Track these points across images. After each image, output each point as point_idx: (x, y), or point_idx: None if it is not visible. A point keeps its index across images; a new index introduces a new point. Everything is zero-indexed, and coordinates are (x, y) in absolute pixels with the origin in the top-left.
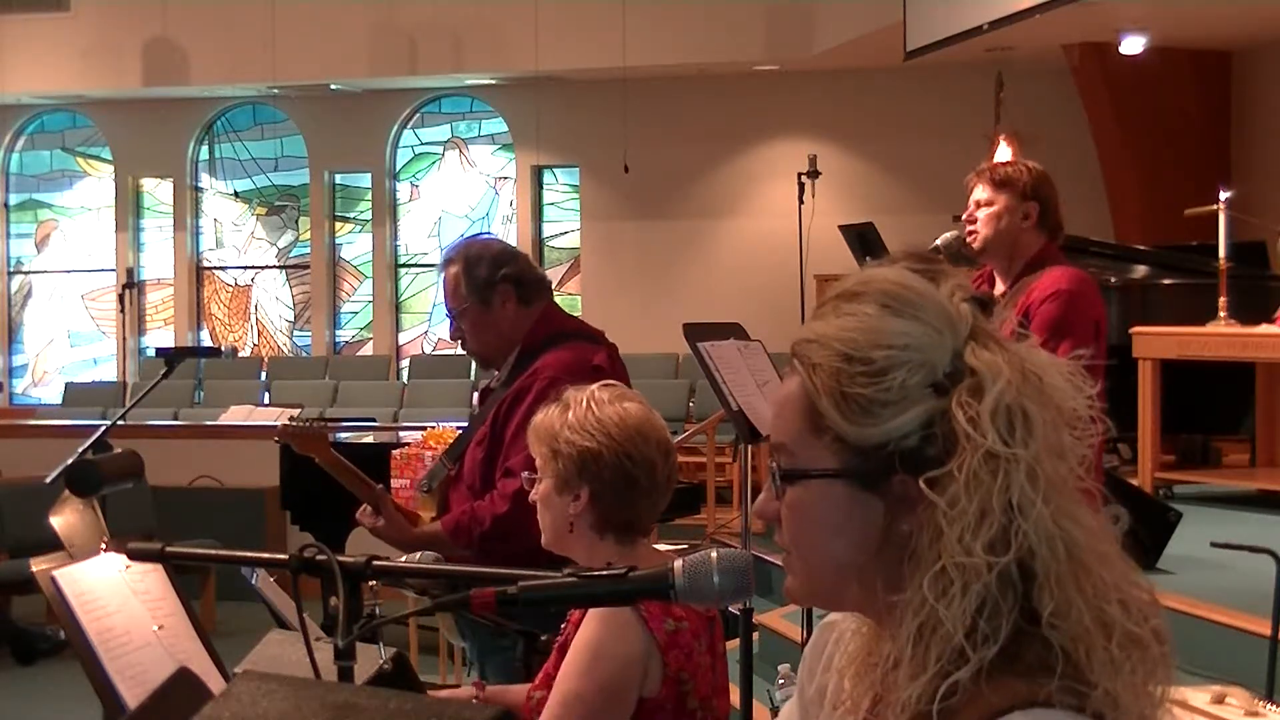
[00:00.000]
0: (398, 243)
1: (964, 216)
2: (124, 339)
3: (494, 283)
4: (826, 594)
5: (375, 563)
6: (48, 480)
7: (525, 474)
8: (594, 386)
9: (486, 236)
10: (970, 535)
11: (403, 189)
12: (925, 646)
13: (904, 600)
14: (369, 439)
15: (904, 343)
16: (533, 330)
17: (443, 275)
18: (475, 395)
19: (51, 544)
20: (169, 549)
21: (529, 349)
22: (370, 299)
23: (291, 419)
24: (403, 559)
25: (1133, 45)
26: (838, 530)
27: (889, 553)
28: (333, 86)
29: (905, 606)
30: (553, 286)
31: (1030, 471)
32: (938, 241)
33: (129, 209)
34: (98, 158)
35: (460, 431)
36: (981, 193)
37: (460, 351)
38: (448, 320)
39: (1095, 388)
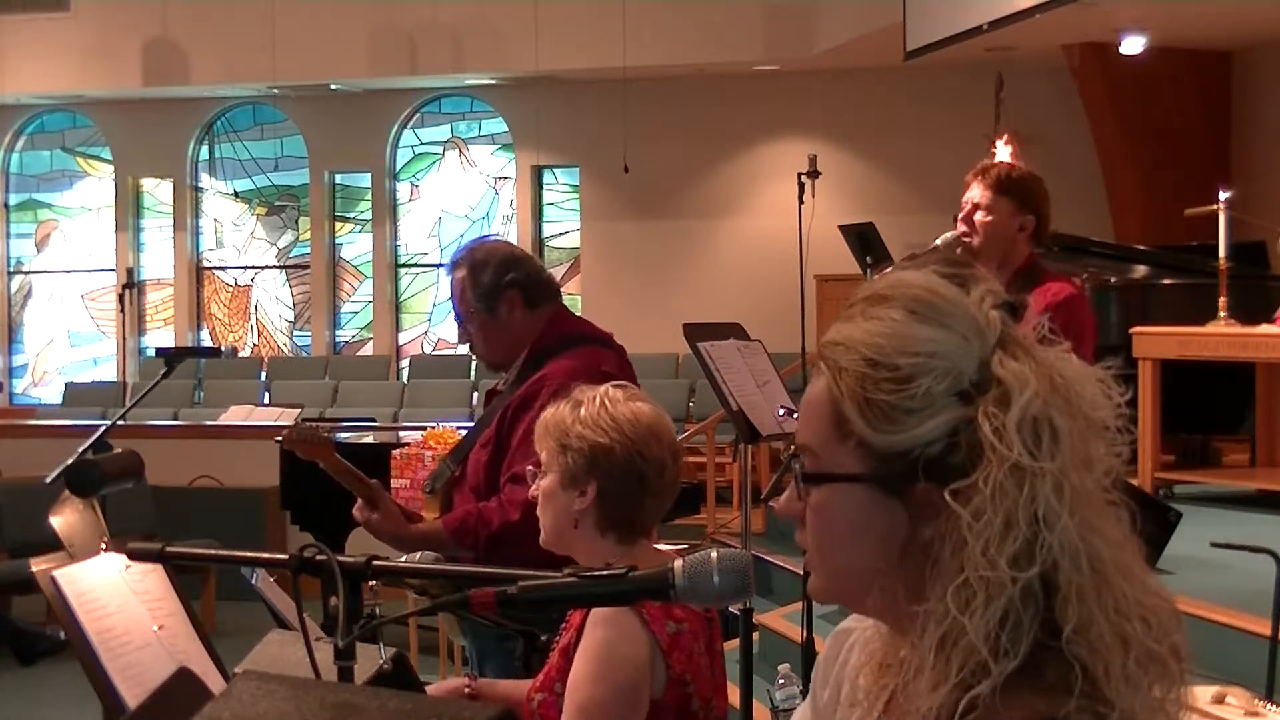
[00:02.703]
0: (398, 243)
1: (960, 216)
2: (124, 339)
3: (499, 289)
4: (847, 597)
5: (375, 563)
6: (48, 480)
7: (529, 469)
8: (606, 385)
9: (493, 239)
10: (995, 548)
11: (403, 189)
12: (947, 658)
13: (926, 609)
14: (369, 439)
15: (930, 350)
16: (542, 334)
17: (450, 279)
18: (475, 395)
19: (51, 544)
20: (169, 549)
21: (537, 353)
22: (370, 299)
23: (296, 423)
24: (403, 559)
25: (1133, 45)
26: (859, 535)
27: (911, 560)
28: (333, 86)
29: (927, 616)
30: (560, 288)
31: (1056, 484)
32: (937, 241)
33: (129, 209)
34: (98, 158)
35: (462, 432)
36: (979, 195)
37: (461, 352)
38: (456, 324)
39: (1127, 395)
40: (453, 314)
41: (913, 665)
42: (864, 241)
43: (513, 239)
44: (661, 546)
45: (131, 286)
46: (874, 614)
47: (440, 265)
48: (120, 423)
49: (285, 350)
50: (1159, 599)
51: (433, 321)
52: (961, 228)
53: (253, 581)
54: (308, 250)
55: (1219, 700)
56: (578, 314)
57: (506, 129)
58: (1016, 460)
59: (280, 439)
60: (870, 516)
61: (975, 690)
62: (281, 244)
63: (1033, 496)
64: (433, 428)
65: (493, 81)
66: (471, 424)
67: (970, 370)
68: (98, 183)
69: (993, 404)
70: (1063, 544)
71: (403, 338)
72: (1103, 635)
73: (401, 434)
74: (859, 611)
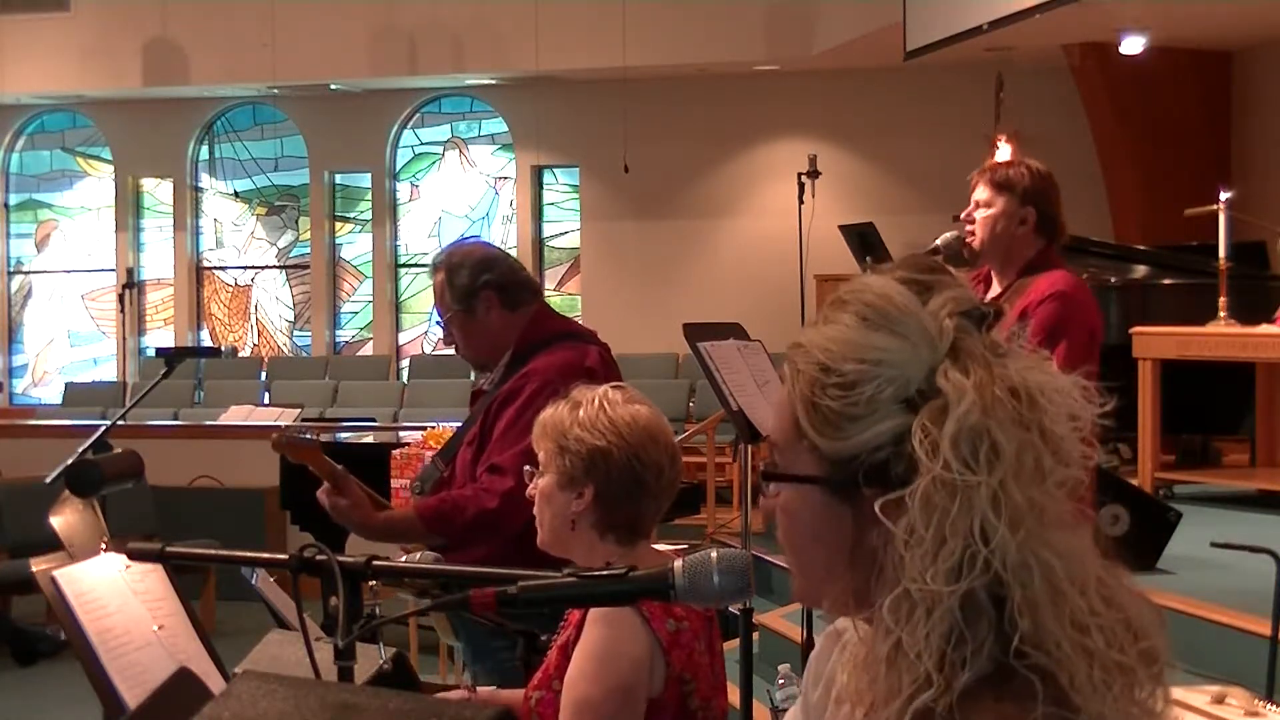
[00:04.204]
0: (398, 243)
1: (963, 215)
2: (124, 339)
3: (475, 290)
4: (815, 595)
5: (375, 563)
6: (48, 480)
7: (527, 468)
8: (605, 387)
9: (471, 241)
10: (928, 561)
11: (403, 189)
12: (898, 671)
13: (876, 617)
14: (369, 439)
15: (877, 357)
16: (525, 333)
17: (432, 283)
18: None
19: (51, 544)
20: (169, 549)
21: (521, 352)
22: (370, 299)
23: (288, 426)
24: (403, 559)
25: (1133, 45)
26: (815, 537)
27: (859, 566)
28: (333, 86)
29: (878, 624)
30: (542, 287)
31: (994, 498)
32: (937, 241)
33: (129, 209)
34: (98, 158)
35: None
36: (981, 193)
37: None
38: (440, 326)
39: (1105, 406)
40: (436, 316)
41: (870, 674)
42: (864, 242)
43: (513, 239)
44: (661, 547)
45: (131, 286)
46: (836, 614)
47: None
48: (120, 423)
49: (285, 350)
50: (1127, 606)
51: (433, 321)
52: (967, 228)
53: (253, 581)
54: (308, 250)
55: (1219, 700)
56: (575, 314)
57: (506, 129)
58: (942, 475)
59: (272, 444)
60: (823, 518)
61: (921, 700)
62: (281, 244)
63: (967, 510)
64: (433, 428)
65: (493, 81)
66: None
67: (918, 379)
68: (98, 183)
69: (929, 416)
70: (1004, 558)
71: (403, 338)
72: (1062, 646)
73: (401, 434)
74: (825, 611)
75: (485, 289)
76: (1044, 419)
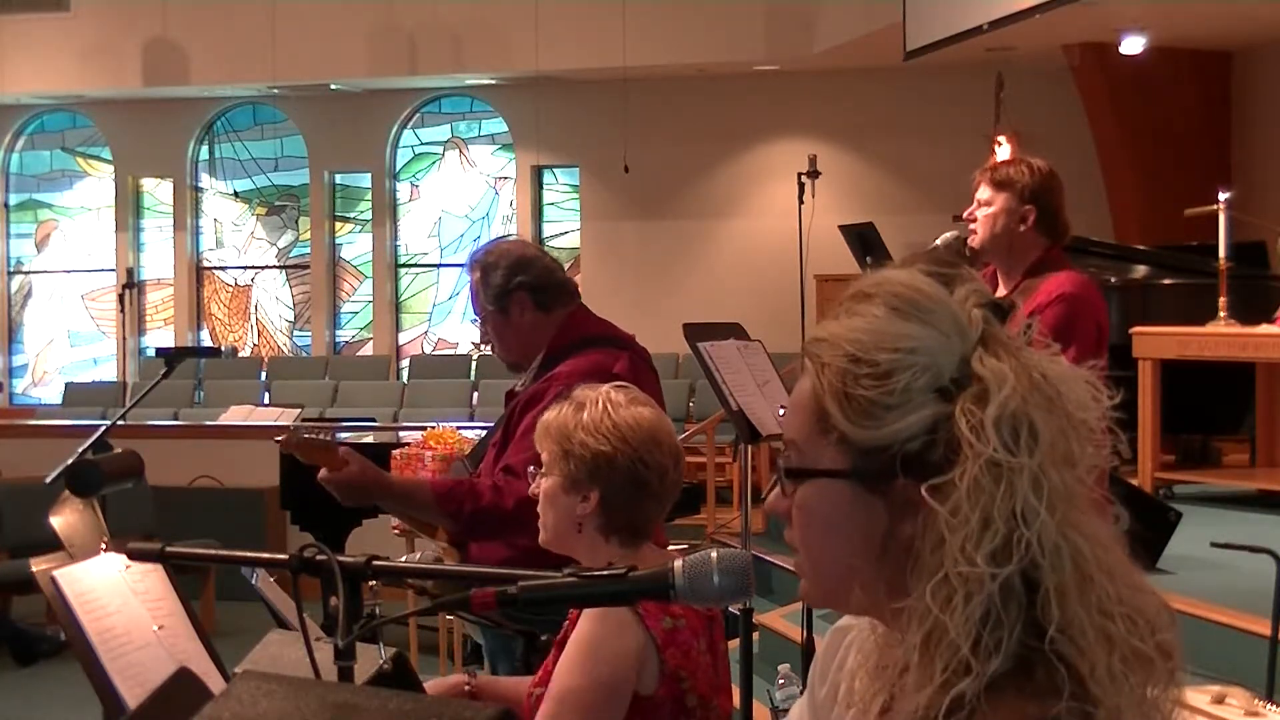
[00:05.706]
0: (398, 243)
1: (965, 214)
2: (124, 339)
3: (508, 291)
4: (833, 596)
5: (375, 563)
6: (48, 480)
7: (530, 469)
8: (608, 388)
9: (510, 240)
10: (972, 544)
11: (403, 189)
12: (931, 657)
13: (909, 606)
14: (369, 439)
15: (910, 346)
16: (559, 334)
17: (469, 280)
18: (475, 395)
19: (51, 544)
20: (169, 549)
21: (553, 354)
22: (370, 299)
23: (296, 427)
24: (403, 559)
25: (1133, 45)
26: (840, 531)
27: (892, 557)
28: (333, 86)
29: (911, 613)
30: (577, 288)
31: (1035, 481)
32: (938, 241)
33: (129, 209)
34: (98, 158)
35: (463, 433)
36: (983, 192)
37: (461, 352)
38: (476, 324)
39: (1116, 399)
40: (473, 313)
41: (900, 665)
42: (864, 242)
43: None
44: None
45: (131, 286)
46: (859, 612)
47: (440, 265)
48: (120, 423)
49: (285, 350)
50: (1145, 597)
51: (433, 321)
52: (969, 227)
53: (253, 581)
54: (308, 250)
55: (1219, 700)
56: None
57: (506, 129)
58: (993, 456)
59: (279, 441)
60: (850, 512)
61: (958, 688)
62: (281, 244)
63: (1010, 493)
64: (433, 428)
65: (493, 81)
66: (471, 423)
67: (950, 367)
68: (98, 183)
69: (971, 400)
70: (1042, 541)
71: (403, 338)
72: (1086, 633)
73: (401, 434)
74: (846, 612)
75: (519, 290)
76: (1069, 406)
